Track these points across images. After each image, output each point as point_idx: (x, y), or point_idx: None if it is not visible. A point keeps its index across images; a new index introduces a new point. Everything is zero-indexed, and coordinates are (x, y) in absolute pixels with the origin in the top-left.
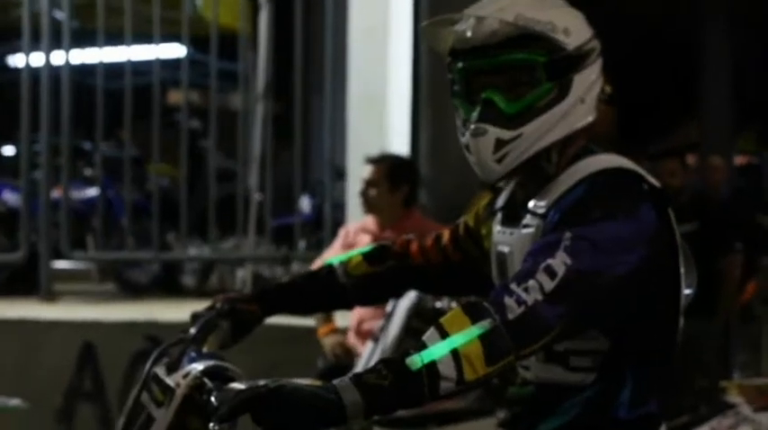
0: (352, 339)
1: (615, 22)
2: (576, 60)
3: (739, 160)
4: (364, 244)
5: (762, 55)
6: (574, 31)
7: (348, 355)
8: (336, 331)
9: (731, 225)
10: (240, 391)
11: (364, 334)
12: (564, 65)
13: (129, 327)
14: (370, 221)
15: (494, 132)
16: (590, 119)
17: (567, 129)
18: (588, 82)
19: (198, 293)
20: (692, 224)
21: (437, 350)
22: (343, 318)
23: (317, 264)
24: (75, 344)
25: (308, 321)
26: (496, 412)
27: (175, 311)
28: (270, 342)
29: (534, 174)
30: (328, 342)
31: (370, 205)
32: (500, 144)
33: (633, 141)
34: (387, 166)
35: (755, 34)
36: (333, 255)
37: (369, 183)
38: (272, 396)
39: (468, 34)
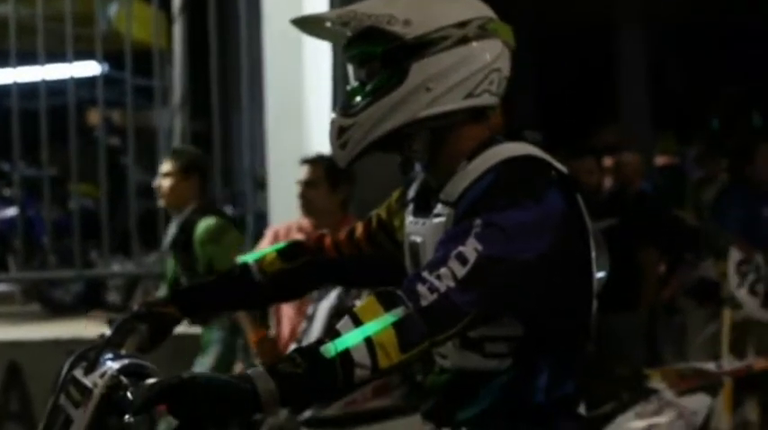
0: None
1: (535, 31)
2: (415, 49)
3: (661, 160)
4: None
5: (676, 55)
6: (419, 20)
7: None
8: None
9: (648, 220)
10: (154, 384)
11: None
12: (399, 54)
13: (55, 346)
14: (305, 222)
15: (337, 121)
16: (447, 108)
17: (409, 116)
18: (435, 70)
19: (123, 309)
20: (609, 220)
21: (351, 338)
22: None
23: None
24: (1, 364)
25: None
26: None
27: (100, 328)
28: (181, 352)
29: (440, 163)
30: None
31: (309, 207)
32: (341, 131)
33: (553, 144)
34: (325, 166)
35: (669, 36)
36: None
37: (307, 184)
38: (185, 386)
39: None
